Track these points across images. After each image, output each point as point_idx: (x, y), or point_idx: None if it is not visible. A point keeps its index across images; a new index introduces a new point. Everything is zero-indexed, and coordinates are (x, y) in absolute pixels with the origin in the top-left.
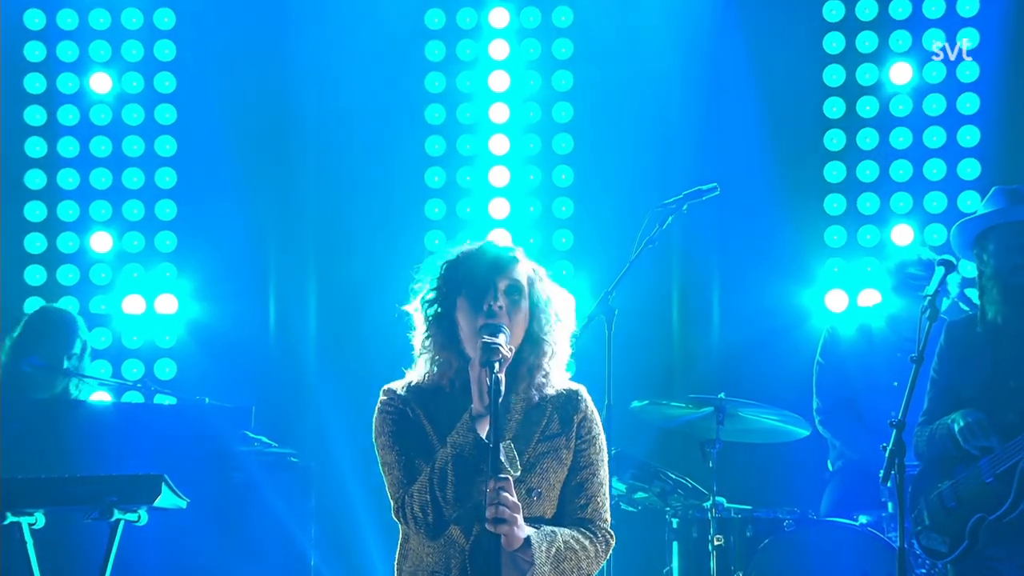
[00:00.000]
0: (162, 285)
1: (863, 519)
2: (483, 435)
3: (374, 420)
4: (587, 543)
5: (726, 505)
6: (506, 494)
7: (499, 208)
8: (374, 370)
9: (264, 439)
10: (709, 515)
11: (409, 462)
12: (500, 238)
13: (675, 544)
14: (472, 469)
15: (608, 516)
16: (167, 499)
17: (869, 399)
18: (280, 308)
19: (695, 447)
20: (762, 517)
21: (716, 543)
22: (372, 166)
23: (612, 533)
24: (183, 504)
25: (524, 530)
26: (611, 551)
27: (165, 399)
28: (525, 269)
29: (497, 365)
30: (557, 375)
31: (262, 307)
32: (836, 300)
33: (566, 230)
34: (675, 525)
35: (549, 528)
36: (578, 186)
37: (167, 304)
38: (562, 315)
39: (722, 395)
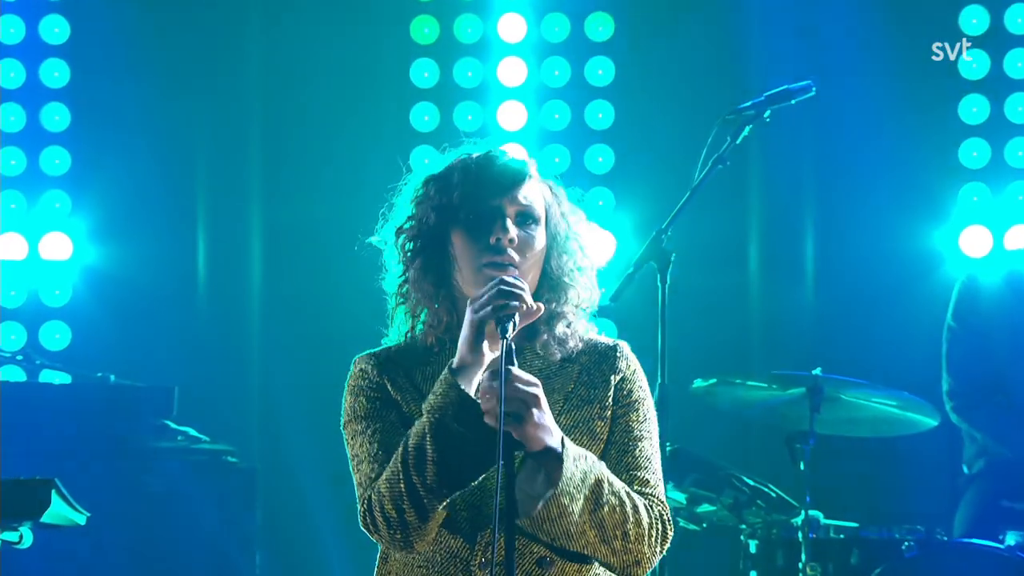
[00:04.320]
0: (50, 221)
1: (1012, 539)
2: (471, 391)
3: (343, 402)
4: (640, 506)
5: (823, 522)
6: (519, 373)
7: (512, 114)
8: (340, 338)
9: (191, 431)
10: (800, 535)
11: (387, 451)
12: (511, 151)
13: (753, 574)
14: (460, 441)
15: (664, 499)
16: (59, 512)
17: (1022, 376)
18: (212, 253)
19: (780, 442)
20: (872, 538)
21: (809, 573)
22: (338, 56)
23: (671, 525)
24: (81, 520)
25: (553, 430)
26: (667, 547)
27: (55, 376)
28: (540, 187)
29: (512, 325)
30: (582, 326)
31: (187, 251)
32: (975, 241)
33: (604, 145)
34: (753, 549)
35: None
36: (620, 85)
37: (56, 247)
38: (587, 248)
39: (818, 371)
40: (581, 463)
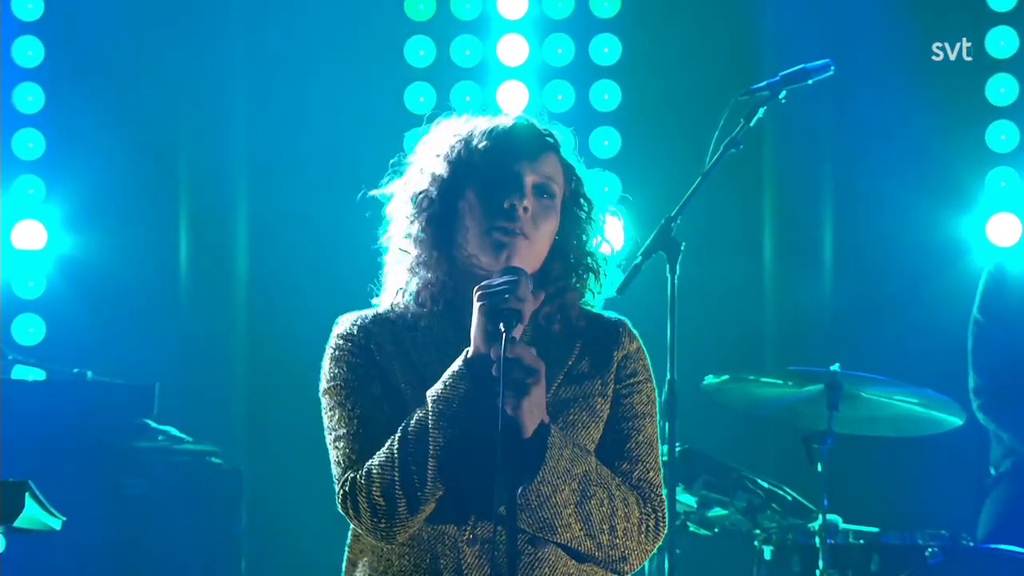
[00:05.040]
0: (22, 207)
1: None
2: (480, 389)
3: (322, 366)
4: (631, 500)
5: (842, 526)
6: (526, 350)
7: (513, 95)
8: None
9: (173, 431)
10: (817, 541)
11: (369, 429)
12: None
13: None
14: (464, 434)
15: (662, 493)
16: (33, 516)
17: None
18: (195, 241)
19: (796, 442)
20: (894, 544)
21: None
22: (329, 35)
23: (665, 519)
24: (56, 524)
25: (543, 416)
26: (660, 541)
27: (28, 373)
28: (564, 164)
29: (517, 320)
30: (589, 304)
31: (169, 240)
32: (1003, 228)
33: (609, 128)
34: (767, 555)
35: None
36: (627, 63)
37: (30, 235)
38: (603, 222)
39: (836, 367)
40: (566, 451)
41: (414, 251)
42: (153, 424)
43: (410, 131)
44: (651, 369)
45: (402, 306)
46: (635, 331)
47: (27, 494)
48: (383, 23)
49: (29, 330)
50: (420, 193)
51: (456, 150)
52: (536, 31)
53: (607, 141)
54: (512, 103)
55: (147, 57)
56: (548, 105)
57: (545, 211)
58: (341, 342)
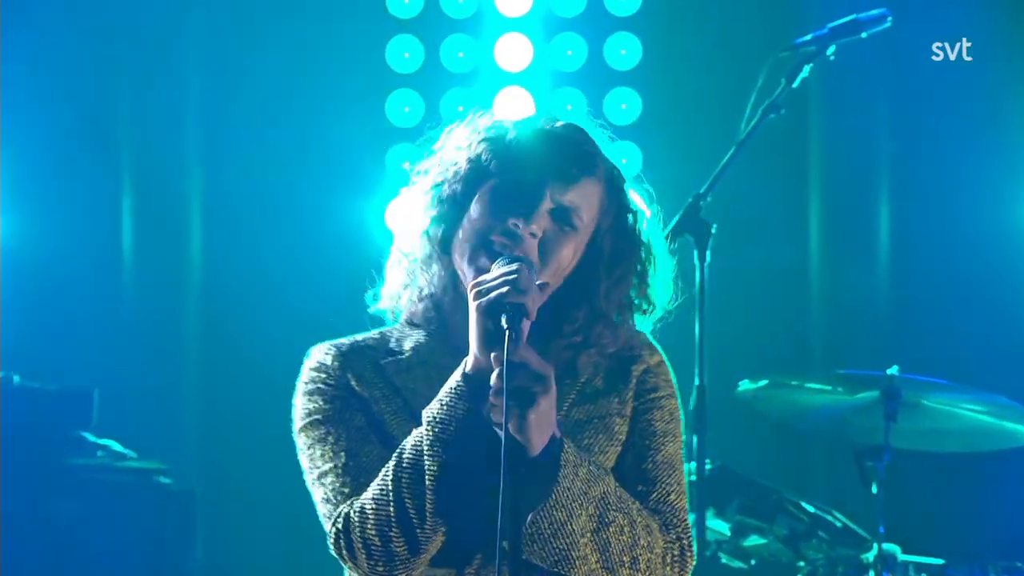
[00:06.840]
0: None
1: None
2: (482, 408)
3: (294, 402)
4: (654, 528)
5: (901, 558)
6: (532, 354)
7: (513, 51)
8: (297, 331)
9: (114, 445)
10: (872, 574)
11: (359, 460)
12: (518, 103)
13: None
14: (465, 461)
15: (687, 517)
16: None
17: None
18: (140, 225)
19: (847, 458)
20: None
21: None
22: None
23: (692, 547)
24: None
25: (554, 430)
26: (688, 573)
27: None
28: (599, 186)
29: (522, 316)
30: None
31: (109, 222)
32: None
33: (628, 89)
34: None
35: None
36: (648, 13)
37: None
38: (649, 269)
39: (894, 370)
40: (582, 471)
41: (417, 252)
42: (91, 437)
43: (392, 94)
44: (675, 384)
45: (396, 328)
46: (656, 344)
47: None
48: None
49: None
50: (439, 182)
51: (479, 149)
52: None
53: (625, 104)
54: (512, 61)
55: (88, 12)
56: (556, 63)
57: (559, 241)
58: (314, 375)
